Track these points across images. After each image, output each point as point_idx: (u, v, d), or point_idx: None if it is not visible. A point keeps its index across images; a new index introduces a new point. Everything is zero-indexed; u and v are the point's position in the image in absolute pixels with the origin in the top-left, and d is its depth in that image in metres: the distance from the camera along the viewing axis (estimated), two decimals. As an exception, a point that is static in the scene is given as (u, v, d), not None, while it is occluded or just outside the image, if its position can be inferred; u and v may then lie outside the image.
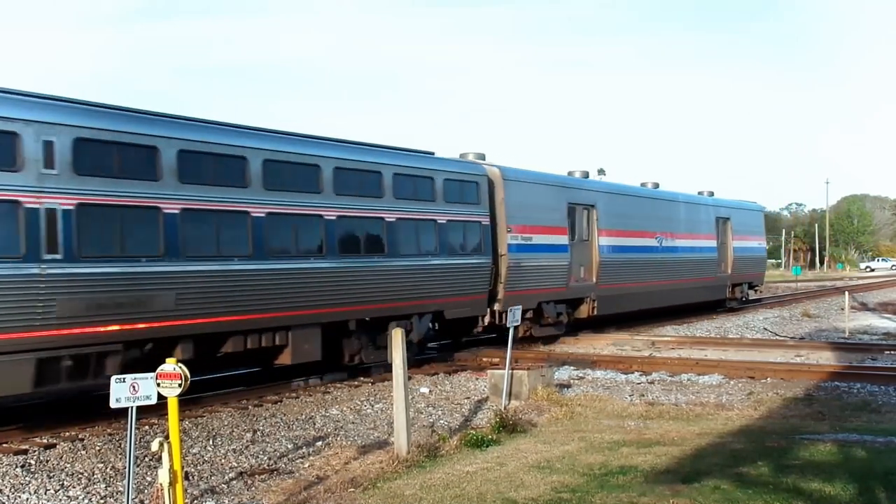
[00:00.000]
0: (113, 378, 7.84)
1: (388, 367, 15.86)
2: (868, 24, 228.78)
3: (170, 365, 7.80)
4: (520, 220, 21.99)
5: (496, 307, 21.07)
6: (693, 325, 29.96)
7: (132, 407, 7.80)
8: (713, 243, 33.12)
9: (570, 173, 27.26)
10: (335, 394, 16.27)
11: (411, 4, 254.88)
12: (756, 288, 38.76)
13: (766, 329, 29.42)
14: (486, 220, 20.85)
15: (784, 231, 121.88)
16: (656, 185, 31.65)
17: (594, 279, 25.12)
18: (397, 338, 11.77)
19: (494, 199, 21.37)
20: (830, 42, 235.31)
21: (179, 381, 7.72)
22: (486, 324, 21.19)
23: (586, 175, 27.05)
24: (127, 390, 7.75)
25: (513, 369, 15.38)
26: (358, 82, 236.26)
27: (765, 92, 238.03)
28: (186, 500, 8.12)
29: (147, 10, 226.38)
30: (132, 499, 7.98)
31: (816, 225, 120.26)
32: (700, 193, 35.03)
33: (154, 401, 7.90)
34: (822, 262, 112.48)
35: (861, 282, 63.75)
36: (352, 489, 9.75)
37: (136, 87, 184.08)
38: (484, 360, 20.19)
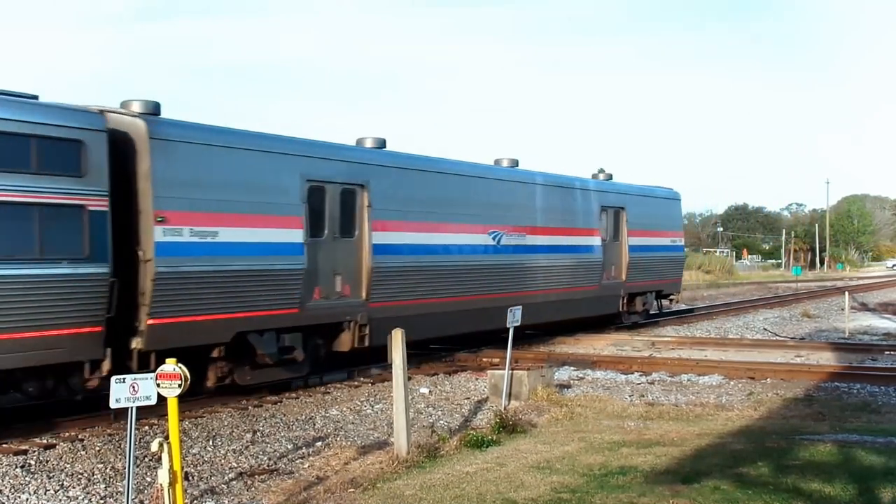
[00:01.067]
0: (113, 378, 7.85)
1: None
2: (868, 24, 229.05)
3: (170, 365, 7.81)
4: (190, 204, 14.08)
5: (136, 345, 13.31)
6: (693, 326, 29.95)
7: (132, 407, 7.81)
8: (595, 241, 25.09)
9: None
10: (335, 394, 16.27)
11: (411, 4, 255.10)
12: (671, 297, 30.64)
13: (766, 329, 29.42)
14: (97, 204, 12.80)
15: (784, 231, 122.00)
16: (514, 163, 23.34)
17: (363, 294, 17.09)
18: (397, 338, 11.78)
19: (137, 169, 13.56)
20: (830, 42, 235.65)
21: (179, 382, 7.73)
22: (105, 372, 12.73)
23: (382, 144, 18.81)
24: (127, 391, 7.76)
25: (513, 370, 15.38)
26: (358, 82, 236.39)
27: (765, 92, 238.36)
28: (186, 501, 8.13)
29: (147, 10, 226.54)
30: (132, 499, 7.98)
31: (816, 225, 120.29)
32: (595, 176, 27.64)
33: (154, 401, 7.91)
34: (822, 263, 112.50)
35: (861, 282, 63.81)
36: (352, 489, 9.76)
37: (136, 88, 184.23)
38: (484, 360, 20.17)
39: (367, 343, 17.16)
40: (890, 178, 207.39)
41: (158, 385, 7.79)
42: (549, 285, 22.96)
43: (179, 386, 7.73)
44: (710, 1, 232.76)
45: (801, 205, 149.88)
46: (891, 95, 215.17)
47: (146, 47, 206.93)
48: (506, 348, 15.32)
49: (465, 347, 21.53)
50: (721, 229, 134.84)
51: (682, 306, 38.82)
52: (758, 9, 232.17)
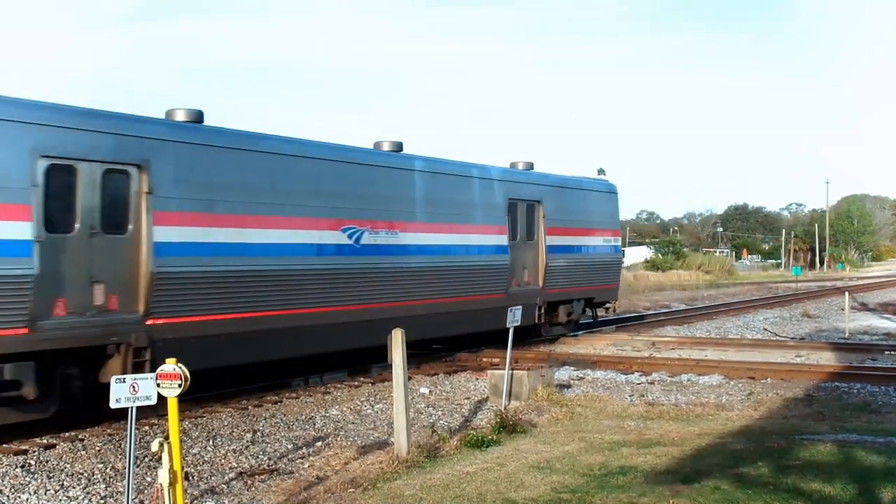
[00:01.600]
0: (113, 378, 7.85)
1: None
2: (868, 24, 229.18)
3: (170, 365, 7.81)
4: None
5: None
6: (693, 326, 29.95)
7: (132, 407, 7.80)
8: (500, 240, 21.00)
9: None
10: (335, 394, 16.27)
11: (411, 4, 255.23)
12: (606, 305, 26.65)
13: (766, 329, 29.43)
14: None
15: (784, 231, 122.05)
16: (398, 147, 18.98)
17: (139, 308, 13.07)
18: (397, 337, 11.76)
19: None
20: (830, 43, 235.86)
21: (179, 382, 7.73)
22: None
23: (198, 118, 14.82)
24: (127, 390, 7.76)
25: (513, 370, 15.37)
26: (358, 82, 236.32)
27: (765, 92, 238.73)
28: (186, 501, 8.13)
29: (147, 10, 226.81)
30: (132, 499, 7.98)
31: (816, 225, 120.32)
32: (513, 166, 23.15)
33: (154, 401, 7.91)
34: (822, 263, 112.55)
35: (861, 282, 63.83)
36: (352, 489, 9.76)
37: (136, 88, 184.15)
38: (484, 360, 20.19)
39: (146, 371, 12.44)
40: (890, 178, 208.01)
41: (158, 385, 7.79)
42: (434, 294, 18.87)
43: (179, 386, 7.73)
44: (710, 1, 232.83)
45: (800, 205, 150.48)
46: (891, 95, 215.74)
47: (146, 47, 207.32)
48: (504, 348, 15.33)
49: (465, 348, 21.36)
50: (721, 229, 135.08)
51: (679, 308, 38.80)
52: (757, 9, 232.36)
